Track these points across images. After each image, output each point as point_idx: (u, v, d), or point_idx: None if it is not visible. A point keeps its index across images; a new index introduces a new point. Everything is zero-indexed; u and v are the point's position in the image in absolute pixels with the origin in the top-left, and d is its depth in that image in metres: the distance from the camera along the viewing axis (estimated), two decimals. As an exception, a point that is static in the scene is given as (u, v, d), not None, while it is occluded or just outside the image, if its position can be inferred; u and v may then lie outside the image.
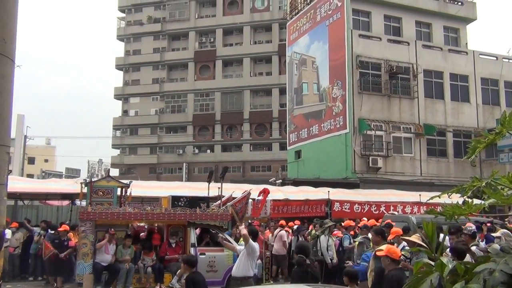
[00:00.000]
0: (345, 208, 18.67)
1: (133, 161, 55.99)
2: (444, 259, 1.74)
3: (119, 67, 59.73)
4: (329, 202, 18.48)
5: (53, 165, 70.46)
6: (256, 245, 8.04)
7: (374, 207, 18.98)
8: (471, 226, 8.72)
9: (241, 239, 12.34)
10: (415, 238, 7.91)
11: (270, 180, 25.17)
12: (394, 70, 26.02)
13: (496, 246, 6.68)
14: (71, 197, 18.27)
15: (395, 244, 8.36)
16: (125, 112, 58.87)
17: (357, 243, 9.46)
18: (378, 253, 6.01)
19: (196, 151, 54.53)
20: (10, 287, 11.58)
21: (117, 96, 59.17)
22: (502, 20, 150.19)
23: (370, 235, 10.82)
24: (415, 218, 12.63)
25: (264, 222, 13.70)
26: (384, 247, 6.34)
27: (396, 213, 18.13)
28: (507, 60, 30.07)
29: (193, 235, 11.06)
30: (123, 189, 11.65)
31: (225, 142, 54.56)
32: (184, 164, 52.42)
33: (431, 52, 27.91)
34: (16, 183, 15.49)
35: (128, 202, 11.93)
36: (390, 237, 9.10)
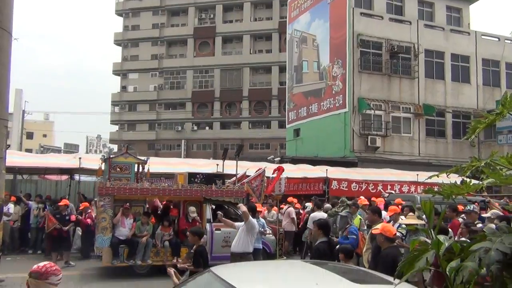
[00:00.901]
0: (343, 187, 18.77)
1: (132, 137, 55.98)
2: (441, 238, 1.76)
3: (117, 42, 59.19)
4: (327, 181, 18.56)
5: (51, 140, 70.43)
6: (255, 221, 8.12)
7: (372, 186, 19.08)
8: (473, 205, 8.86)
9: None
10: (411, 219, 7.99)
11: (268, 158, 25.20)
12: (395, 50, 25.83)
13: (492, 225, 6.74)
14: (69, 172, 18.32)
15: (392, 222, 8.46)
16: (123, 88, 58.60)
17: (339, 216, 9.60)
18: (373, 231, 6.06)
19: (195, 128, 54.49)
20: (10, 260, 11.68)
21: (116, 72, 58.79)
22: (506, 1, 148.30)
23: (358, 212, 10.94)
24: (421, 198, 12.75)
25: (279, 199, 13.97)
26: (379, 225, 6.40)
27: (393, 192, 18.24)
28: (509, 41, 29.84)
29: (208, 211, 11.26)
30: (140, 165, 11.77)
31: (224, 119, 54.49)
32: (183, 141, 52.46)
33: (433, 32, 27.66)
34: (15, 158, 15.49)
35: (146, 178, 12.08)
36: (388, 214, 9.19)
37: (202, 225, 11.31)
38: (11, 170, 16.23)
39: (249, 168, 15.29)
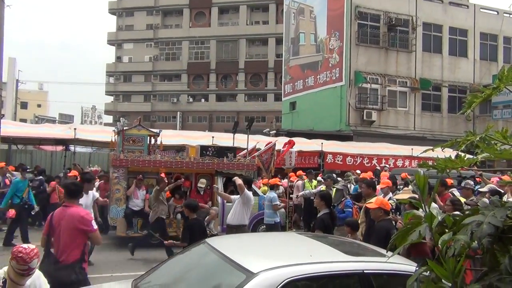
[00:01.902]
0: (338, 160, 18.88)
1: (127, 109, 55.69)
2: (434, 211, 1.78)
3: (112, 11, 58.23)
4: (322, 154, 18.65)
5: (46, 110, 69.91)
6: (251, 194, 8.18)
7: (367, 160, 19.20)
8: (469, 181, 8.92)
9: (264, 188, 12.59)
10: (406, 193, 8.07)
11: (264, 131, 25.22)
12: (393, 22, 25.56)
13: (485, 200, 6.81)
14: (64, 142, 18.29)
15: (382, 195, 8.54)
16: (118, 58, 57.97)
17: (335, 189, 9.71)
18: (369, 206, 6.10)
19: (191, 100, 54.24)
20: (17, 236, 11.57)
21: (110, 42, 58.04)
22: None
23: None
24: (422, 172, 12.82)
25: (289, 172, 14.18)
26: (373, 199, 6.46)
27: (387, 166, 18.36)
28: (508, 15, 29.58)
29: (220, 183, 11.35)
30: (151, 137, 11.84)
31: (220, 91, 54.21)
32: (178, 112, 52.27)
33: (431, 4, 27.35)
34: (9, 128, 15.42)
35: (160, 150, 12.16)
36: (380, 187, 9.27)
37: (213, 197, 11.48)
38: (6, 140, 16.21)
39: (259, 141, 15.59)
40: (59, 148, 20.35)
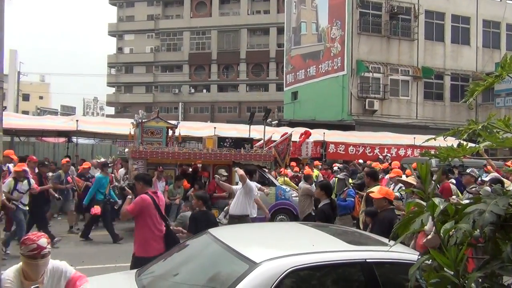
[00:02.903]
0: (340, 150, 18.87)
1: (129, 100, 55.69)
2: (436, 200, 1.77)
3: (112, 2, 57.98)
4: (324, 144, 18.64)
5: (48, 102, 69.93)
6: (253, 184, 8.18)
7: (369, 149, 19.19)
8: (472, 169, 8.90)
9: (281, 179, 12.69)
10: (412, 180, 8.08)
11: (267, 121, 25.17)
12: (395, 11, 25.41)
13: (487, 188, 6.81)
14: (67, 134, 18.32)
15: (392, 185, 8.54)
16: (119, 50, 57.82)
17: (337, 179, 9.73)
18: (373, 196, 6.08)
19: (192, 90, 54.16)
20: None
21: (111, 33, 57.85)
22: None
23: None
24: (435, 162, 12.82)
25: (305, 162, 14.27)
26: (376, 189, 6.45)
27: (389, 155, 18.34)
28: (510, 2, 29.31)
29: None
30: (169, 129, 11.98)
31: (222, 82, 54.10)
32: (180, 103, 52.22)
33: (434, -8, 27.14)
34: (12, 119, 15.46)
35: (179, 142, 12.24)
36: (390, 176, 9.23)
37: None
38: (8, 132, 16.23)
39: (274, 132, 15.72)
40: (61, 140, 20.39)
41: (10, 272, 3.18)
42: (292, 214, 11.49)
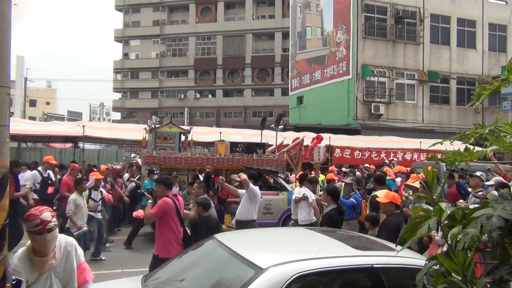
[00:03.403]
0: (346, 154, 18.81)
1: (135, 105, 55.90)
2: (443, 205, 1.76)
3: (118, 8, 58.34)
4: (330, 148, 18.59)
5: (54, 108, 70.40)
6: (256, 189, 8.15)
7: (375, 154, 19.12)
8: (480, 172, 8.78)
9: (294, 184, 12.72)
10: (417, 184, 8.04)
11: (271, 126, 25.14)
12: (400, 14, 25.37)
13: (494, 192, 6.76)
14: (73, 140, 18.40)
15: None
16: (125, 55, 58.11)
17: (344, 183, 9.70)
18: (380, 200, 6.04)
19: (198, 95, 54.29)
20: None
21: (117, 38, 58.17)
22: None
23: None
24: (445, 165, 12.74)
25: (318, 167, 14.28)
26: (382, 193, 6.42)
27: (395, 159, 18.27)
28: (517, 5, 29.21)
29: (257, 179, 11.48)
30: (181, 135, 12.09)
31: (227, 87, 54.19)
32: (186, 108, 52.35)
33: (439, -5, 27.10)
34: (19, 125, 15.54)
35: (191, 147, 12.33)
36: (409, 181, 9.10)
37: None
38: (15, 138, 16.32)
39: (286, 137, 15.85)
40: (68, 145, 20.48)
41: (17, 260, 3.10)
42: None
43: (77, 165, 11.84)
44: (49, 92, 69.54)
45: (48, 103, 67.81)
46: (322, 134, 20.09)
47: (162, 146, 11.35)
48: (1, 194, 2.73)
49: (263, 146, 12.72)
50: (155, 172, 10.92)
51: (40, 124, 21.76)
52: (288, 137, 15.99)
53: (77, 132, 16.27)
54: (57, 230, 3.15)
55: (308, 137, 15.27)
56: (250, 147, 12.00)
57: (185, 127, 12.56)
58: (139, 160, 14.28)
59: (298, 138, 14.02)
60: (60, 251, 3.23)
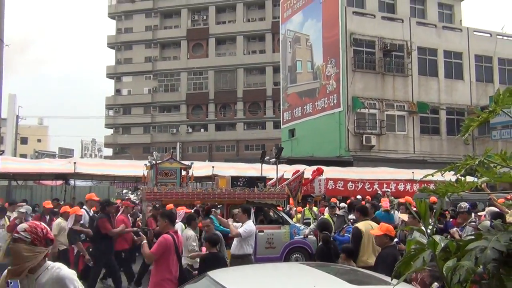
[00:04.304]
0: (339, 186, 18.78)
1: (127, 141, 55.86)
2: (437, 237, 1.76)
3: (111, 45, 59.04)
4: (323, 180, 18.55)
5: (46, 145, 70.14)
6: (250, 222, 8.08)
7: (368, 185, 19.10)
8: (464, 203, 8.74)
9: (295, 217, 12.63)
10: (404, 216, 8.03)
11: (264, 159, 25.17)
12: (388, 48, 25.89)
13: (486, 223, 6.75)
14: (64, 177, 18.26)
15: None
16: (117, 91, 58.46)
17: (336, 216, 9.67)
18: (374, 232, 6.01)
19: (190, 130, 54.43)
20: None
21: (110, 75, 58.66)
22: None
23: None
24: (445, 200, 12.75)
25: (319, 200, 14.25)
26: (364, 224, 6.42)
27: (389, 190, 18.26)
28: (501, 37, 29.96)
29: (252, 214, 11.38)
30: (182, 170, 12.06)
31: (219, 121, 54.45)
32: (178, 143, 52.36)
33: (425, 29, 27.74)
34: (9, 163, 15.44)
35: (191, 183, 12.30)
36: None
37: None
38: (6, 176, 16.20)
39: (286, 170, 15.96)
40: (59, 182, 20.30)
41: None
42: (307, 252, 11.39)
43: (129, 202, 11.79)
44: (40, 130, 69.43)
45: (39, 141, 67.58)
46: (315, 167, 20.19)
47: (163, 181, 11.35)
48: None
49: (264, 179, 12.72)
50: (157, 206, 10.72)
51: (31, 161, 21.63)
52: (288, 170, 16.02)
53: (68, 169, 16.19)
54: (22, 245, 2.90)
55: (308, 170, 15.33)
56: (251, 181, 12.01)
57: (186, 162, 12.55)
58: (131, 196, 14.19)
59: (299, 171, 14.06)
60: (44, 277, 2.96)
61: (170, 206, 9.87)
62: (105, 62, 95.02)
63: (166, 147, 53.59)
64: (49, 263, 3.03)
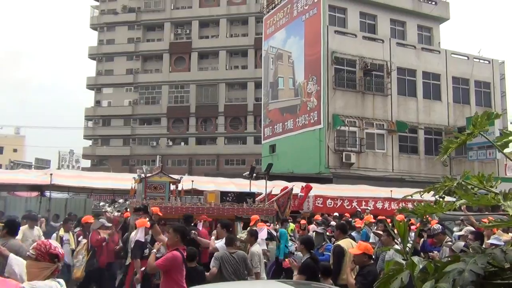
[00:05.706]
0: (318, 203, 18.79)
1: (106, 153, 55.17)
2: (415, 259, 1.76)
3: (92, 56, 58.58)
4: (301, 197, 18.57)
5: (22, 155, 68.82)
6: (221, 243, 8.02)
7: (347, 202, 19.17)
8: (437, 225, 8.85)
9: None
10: (379, 231, 8.08)
11: (244, 174, 25.10)
12: (369, 67, 26.30)
13: (460, 243, 6.82)
14: (40, 188, 17.89)
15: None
16: (97, 103, 57.86)
17: (315, 233, 9.66)
18: (352, 251, 6.02)
19: (170, 143, 54.10)
20: None
21: (90, 86, 58.08)
22: (474, 21, 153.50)
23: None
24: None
25: (307, 216, 14.26)
26: (345, 242, 6.41)
27: (368, 208, 18.37)
28: (477, 60, 30.75)
29: (239, 228, 11.26)
30: (171, 184, 11.89)
31: (200, 135, 54.27)
32: (158, 156, 51.90)
33: (405, 50, 28.31)
34: (-17, 174, 15.06)
35: (181, 197, 12.17)
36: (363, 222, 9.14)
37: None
38: (-21, 186, 15.78)
39: (274, 186, 15.83)
40: (34, 194, 19.88)
41: None
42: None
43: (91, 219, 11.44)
44: (17, 139, 68.22)
45: (15, 150, 66.34)
46: (295, 183, 20.19)
47: (152, 195, 11.18)
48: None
49: (253, 195, 12.70)
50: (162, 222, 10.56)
51: (5, 172, 21.17)
52: (276, 186, 16.01)
53: (44, 180, 15.85)
54: (29, 262, 3.23)
55: (297, 186, 15.48)
56: (240, 196, 11.97)
57: (176, 176, 12.42)
58: (109, 209, 13.97)
59: (287, 187, 14.04)
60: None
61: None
62: (85, 73, 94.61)
63: (146, 160, 53.12)
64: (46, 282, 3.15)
